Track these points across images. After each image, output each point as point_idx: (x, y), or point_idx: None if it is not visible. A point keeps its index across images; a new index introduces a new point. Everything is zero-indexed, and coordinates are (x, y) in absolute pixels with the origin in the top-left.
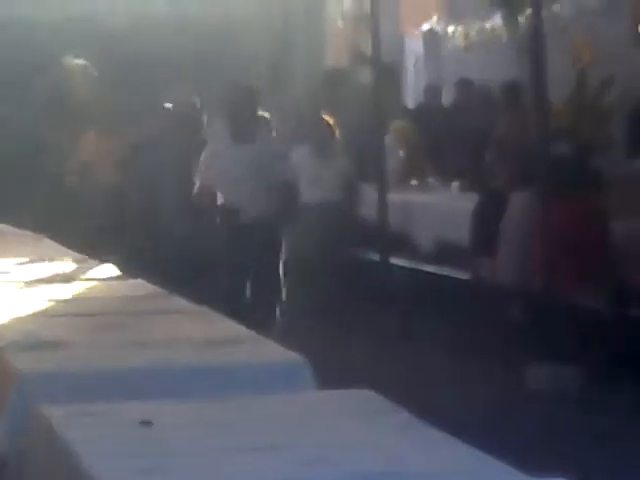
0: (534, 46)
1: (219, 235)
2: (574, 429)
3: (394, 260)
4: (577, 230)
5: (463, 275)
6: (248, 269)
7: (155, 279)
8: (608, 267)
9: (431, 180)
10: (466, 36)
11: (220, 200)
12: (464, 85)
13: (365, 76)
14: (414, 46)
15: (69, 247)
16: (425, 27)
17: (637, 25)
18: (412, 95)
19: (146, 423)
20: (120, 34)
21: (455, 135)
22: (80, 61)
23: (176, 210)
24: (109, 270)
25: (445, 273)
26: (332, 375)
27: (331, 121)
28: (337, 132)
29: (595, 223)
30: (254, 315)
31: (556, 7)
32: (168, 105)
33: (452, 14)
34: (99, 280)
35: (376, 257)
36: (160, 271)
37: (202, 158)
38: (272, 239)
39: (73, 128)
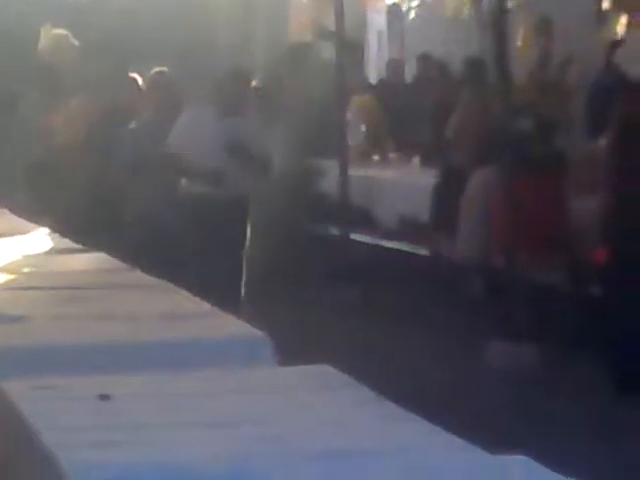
0: (497, 21)
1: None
2: (532, 406)
3: (355, 236)
4: (537, 207)
5: (424, 251)
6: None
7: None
8: (567, 244)
9: (392, 155)
10: (429, 11)
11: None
12: (425, 60)
13: (328, 50)
14: (377, 20)
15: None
16: (388, 1)
17: (600, 2)
18: (374, 70)
19: (105, 397)
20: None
21: (417, 110)
22: (60, 30)
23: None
24: (71, 243)
25: (406, 249)
26: (292, 350)
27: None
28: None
29: (555, 200)
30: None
31: None
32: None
33: None
34: (60, 253)
35: (337, 232)
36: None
37: (177, 126)
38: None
39: (61, 99)
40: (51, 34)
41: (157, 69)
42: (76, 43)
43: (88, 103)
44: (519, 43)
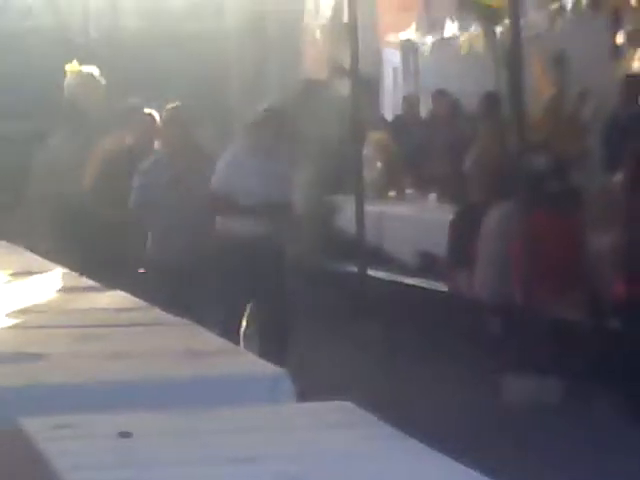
0: (512, 57)
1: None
2: (554, 441)
3: (372, 272)
4: (555, 243)
5: (441, 287)
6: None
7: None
8: (586, 279)
9: (409, 192)
10: (444, 47)
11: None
12: (440, 96)
13: (343, 87)
14: (392, 57)
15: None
16: (403, 38)
17: (614, 36)
18: (390, 106)
19: (125, 434)
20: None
21: (433, 146)
22: (87, 67)
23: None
24: (88, 282)
25: (423, 285)
26: (312, 387)
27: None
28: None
29: (572, 236)
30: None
31: (534, 18)
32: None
33: (430, 25)
34: (78, 291)
35: (354, 269)
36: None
37: (221, 165)
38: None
39: (86, 139)
40: (76, 72)
41: (172, 105)
42: (103, 81)
43: (110, 144)
44: (534, 78)
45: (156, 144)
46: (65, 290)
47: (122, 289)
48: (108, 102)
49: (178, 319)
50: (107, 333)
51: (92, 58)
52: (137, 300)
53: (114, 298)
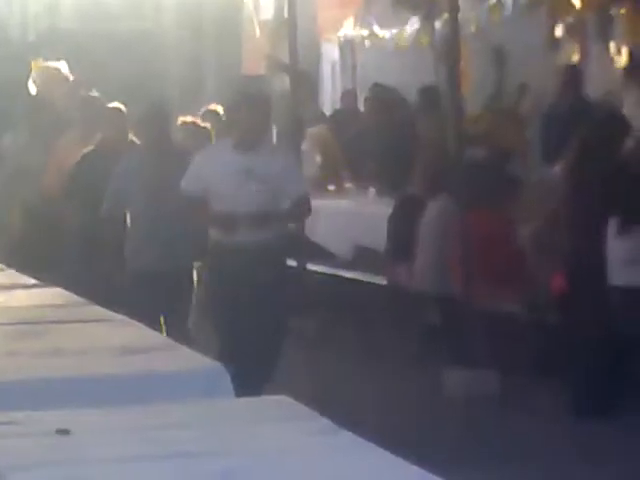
0: (450, 51)
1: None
2: (493, 433)
3: (311, 266)
4: (493, 236)
5: (381, 280)
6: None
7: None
8: (524, 272)
9: (348, 185)
10: (382, 41)
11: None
12: (377, 90)
13: (282, 83)
14: (331, 52)
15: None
16: (342, 33)
17: (552, 30)
18: (329, 101)
19: (63, 431)
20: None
21: (372, 140)
22: (52, 63)
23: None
24: (27, 279)
25: (363, 279)
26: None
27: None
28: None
29: (511, 229)
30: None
31: (472, 12)
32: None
33: (368, 20)
34: (16, 288)
35: (293, 263)
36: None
37: (191, 166)
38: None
39: (51, 136)
40: (42, 67)
41: (147, 103)
42: (70, 76)
43: (77, 141)
44: (473, 72)
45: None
46: (3, 287)
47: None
48: (75, 98)
49: (116, 315)
50: (45, 330)
51: (29, 59)
52: (75, 297)
53: (52, 295)
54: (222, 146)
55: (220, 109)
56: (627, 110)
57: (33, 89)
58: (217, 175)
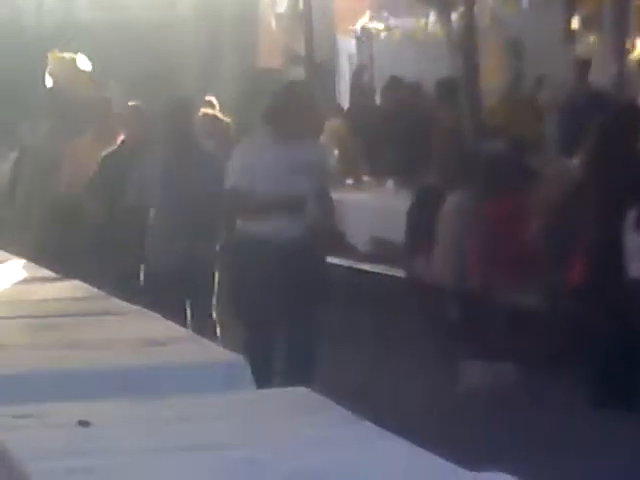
0: (467, 43)
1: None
2: (509, 425)
3: (330, 259)
4: (512, 228)
5: (400, 273)
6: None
7: None
8: (542, 265)
9: (366, 179)
10: (398, 33)
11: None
12: (396, 83)
13: (299, 76)
14: (347, 45)
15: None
16: (358, 26)
17: (569, 22)
18: (346, 94)
19: (84, 423)
20: (47, 35)
21: (389, 133)
22: (68, 54)
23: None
24: (44, 271)
25: (381, 271)
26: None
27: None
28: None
29: (529, 220)
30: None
31: (489, 4)
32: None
33: (384, 12)
34: (34, 281)
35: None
36: None
37: (233, 161)
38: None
39: (71, 129)
40: (58, 58)
41: (170, 98)
42: (88, 67)
43: (93, 141)
44: (490, 64)
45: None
46: (21, 280)
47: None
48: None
49: (135, 308)
50: (64, 323)
51: (45, 50)
52: (93, 289)
53: (70, 288)
54: (262, 139)
55: (215, 100)
56: None
57: (49, 81)
58: (262, 169)
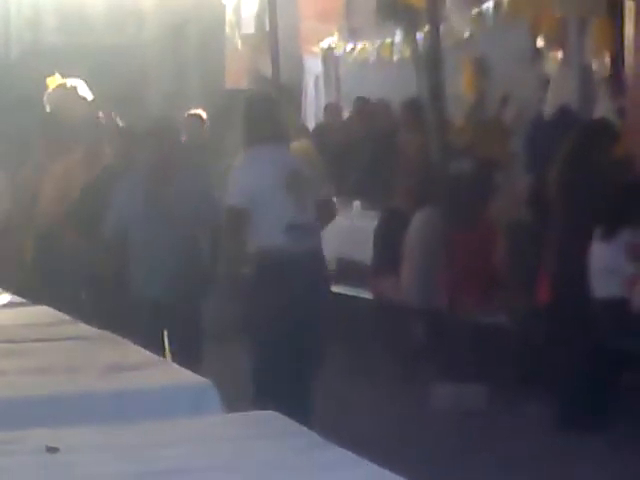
0: (433, 62)
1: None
2: (481, 447)
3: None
4: (479, 247)
5: (367, 294)
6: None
7: None
8: (510, 285)
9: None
10: (365, 54)
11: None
12: (363, 103)
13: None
14: (313, 65)
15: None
16: (324, 45)
17: (534, 41)
18: (312, 115)
19: (53, 449)
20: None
21: (356, 154)
22: (68, 80)
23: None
24: (13, 297)
25: (349, 293)
26: (238, 397)
27: None
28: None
29: (496, 239)
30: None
31: (454, 24)
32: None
33: (351, 32)
34: (3, 307)
35: None
36: None
37: (231, 179)
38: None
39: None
40: (59, 85)
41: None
42: (89, 95)
43: (79, 164)
44: (456, 84)
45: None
46: None
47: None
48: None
49: (103, 333)
50: (32, 348)
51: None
52: (62, 315)
53: (40, 313)
54: (258, 154)
55: (203, 114)
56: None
57: (47, 108)
58: (261, 184)
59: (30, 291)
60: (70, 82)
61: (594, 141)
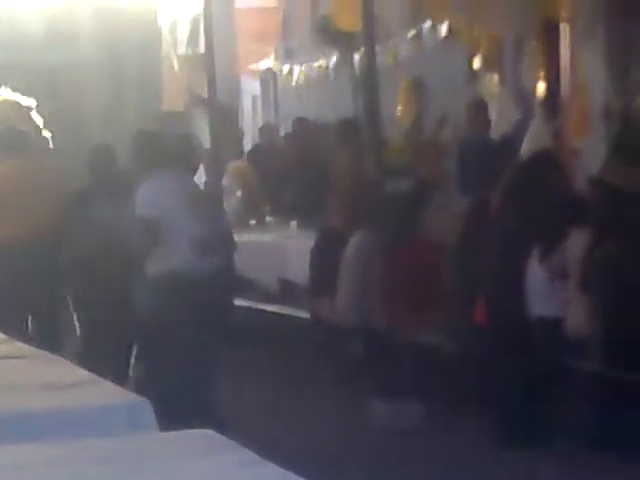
0: (369, 83)
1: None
2: (418, 465)
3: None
4: (415, 266)
5: (304, 314)
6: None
7: None
8: (447, 303)
9: (269, 219)
10: (303, 75)
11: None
12: (299, 123)
13: (202, 117)
14: (251, 86)
15: None
16: (261, 66)
17: (471, 62)
18: (249, 135)
19: None
20: None
21: (292, 174)
22: (9, 94)
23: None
24: None
25: (286, 312)
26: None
27: None
28: None
29: (434, 261)
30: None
31: (391, 45)
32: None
33: (288, 53)
34: None
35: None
36: None
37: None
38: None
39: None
40: (3, 100)
41: None
42: (32, 106)
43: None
44: (393, 104)
45: None
46: None
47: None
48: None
49: (38, 351)
50: None
51: None
52: None
53: None
54: (162, 175)
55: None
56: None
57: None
58: (165, 200)
59: None
60: (9, 95)
61: (538, 173)
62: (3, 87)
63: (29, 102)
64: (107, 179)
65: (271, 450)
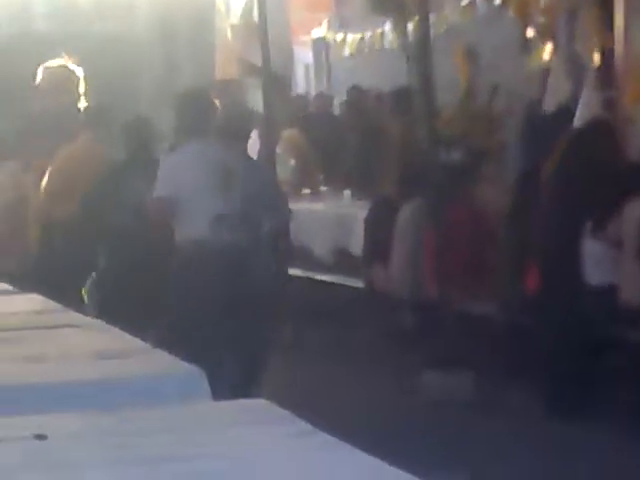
0: (422, 52)
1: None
2: (468, 436)
3: (290, 270)
4: (468, 237)
5: (357, 283)
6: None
7: None
8: (499, 273)
9: (323, 189)
10: (356, 44)
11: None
12: (353, 92)
13: (255, 86)
14: (303, 55)
15: None
16: (315, 35)
17: (524, 31)
18: (302, 104)
19: (41, 437)
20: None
21: (347, 143)
22: (58, 61)
23: None
24: (2, 285)
25: (340, 282)
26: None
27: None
28: None
29: (486, 230)
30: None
31: (444, 14)
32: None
33: (341, 22)
34: None
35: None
36: None
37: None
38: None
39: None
40: (49, 68)
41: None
42: (80, 74)
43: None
44: (446, 73)
45: None
46: None
47: None
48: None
49: (92, 320)
50: (21, 336)
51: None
52: (51, 302)
53: (28, 301)
54: (185, 148)
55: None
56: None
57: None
58: (186, 176)
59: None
60: (58, 62)
61: (592, 141)
62: (63, 55)
63: (80, 72)
64: (142, 154)
65: (323, 421)
